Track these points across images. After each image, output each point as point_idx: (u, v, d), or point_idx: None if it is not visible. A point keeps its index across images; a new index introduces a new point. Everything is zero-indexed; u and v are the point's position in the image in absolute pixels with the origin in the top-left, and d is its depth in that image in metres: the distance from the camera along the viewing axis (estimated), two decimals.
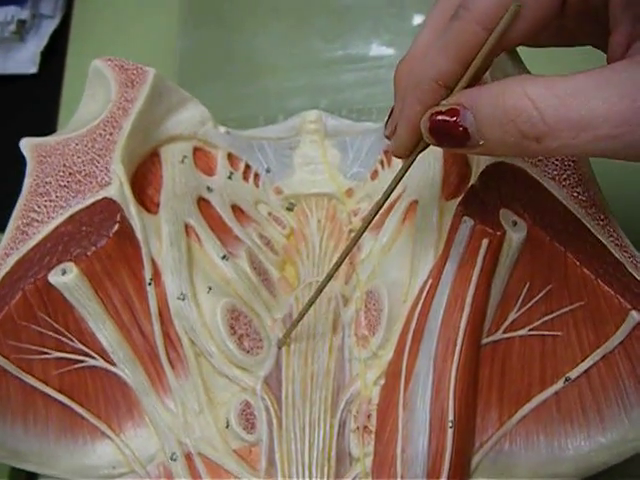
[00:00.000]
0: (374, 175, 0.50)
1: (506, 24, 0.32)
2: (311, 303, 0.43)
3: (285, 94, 0.62)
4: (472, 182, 0.42)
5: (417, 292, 0.43)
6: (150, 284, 0.43)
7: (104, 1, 0.69)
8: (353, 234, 0.47)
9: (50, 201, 0.45)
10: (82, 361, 0.43)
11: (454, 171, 0.47)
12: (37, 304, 0.42)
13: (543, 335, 0.42)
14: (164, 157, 0.49)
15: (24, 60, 0.67)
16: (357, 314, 0.45)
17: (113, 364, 0.43)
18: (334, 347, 0.44)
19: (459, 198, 0.43)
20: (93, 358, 0.43)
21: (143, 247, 0.43)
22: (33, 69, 0.67)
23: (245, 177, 0.51)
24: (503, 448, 0.42)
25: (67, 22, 0.69)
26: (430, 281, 0.43)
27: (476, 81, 0.34)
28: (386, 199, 0.39)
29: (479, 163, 0.43)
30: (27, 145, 0.48)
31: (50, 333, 0.42)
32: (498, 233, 0.40)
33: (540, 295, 0.41)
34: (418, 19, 0.64)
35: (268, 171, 0.51)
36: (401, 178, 0.38)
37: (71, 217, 0.44)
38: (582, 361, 0.41)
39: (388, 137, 0.39)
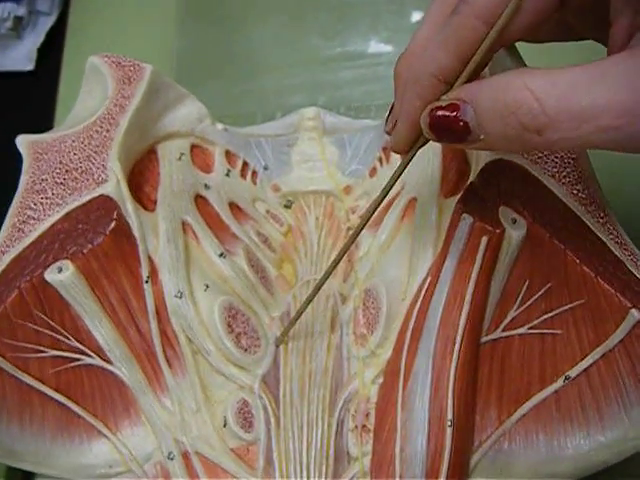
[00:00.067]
0: (372, 172, 0.50)
1: (507, 18, 0.32)
2: (309, 301, 0.42)
3: (283, 91, 0.62)
4: (471, 179, 0.42)
5: (416, 290, 0.43)
6: (147, 282, 0.43)
7: None
8: (351, 232, 0.47)
9: (46, 198, 0.45)
10: (78, 359, 0.43)
11: (453, 168, 0.47)
12: (33, 302, 0.42)
13: (543, 333, 0.42)
14: (161, 154, 0.49)
15: (21, 57, 0.67)
16: (355, 312, 0.45)
17: (110, 362, 0.43)
18: (332, 345, 0.44)
19: (458, 195, 0.42)
20: (89, 356, 0.43)
21: (140, 245, 0.43)
22: (30, 66, 0.67)
23: (243, 174, 0.51)
24: (502, 447, 0.42)
25: (64, 19, 0.68)
26: (429, 279, 0.42)
27: (476, 76, 0.34)
28: (385, 196, 0.39)
29: (478, 160, 0.43)
30: (23, 142, 0.47)
31: (46, 331, 0.42)
32: (497, 231, 0.40)
33: (540, 293, 0.41)
34: (417, 16, 0.64)
35: (266, 168, 0.51)
36: (400, 174, 0.38)
37: (67, 214, 0.44)
38: (582, 360, 0.41)
39: (388, 133, 0.39)
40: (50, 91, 0.65)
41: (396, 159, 0.49)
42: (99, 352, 0.43)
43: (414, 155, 0.37)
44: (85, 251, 0.42)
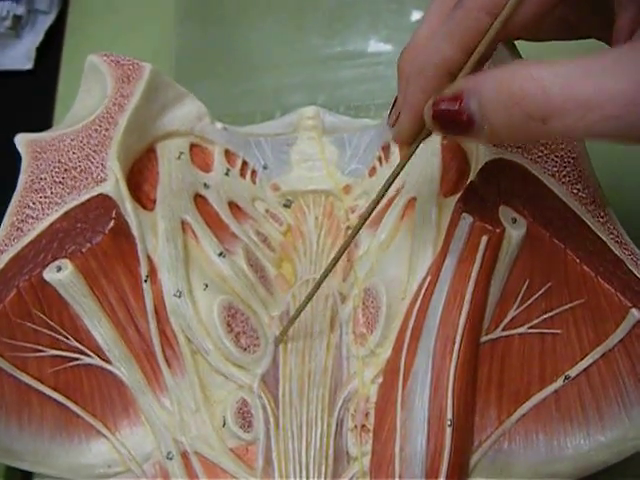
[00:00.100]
0: (372, 172, 0.50)
1: (511, 9, 0.32)
2: (308, 299, 0.42)
3: (282, 90, 0.62)
4: (471, 179, 0.42)
5: (416, 289, 0.43)
6: (146, 281, 0.43)
7: None
8: (351, 231, 0.46)
9: (45, 197, 0.45)
10: (77, 359, 0.43)
11: (453, 167, 0.47)
12: (32, 301, 0.42)
13: (542, 333, 0.42)
14: (160, 153, 0.49)
15: (19, 56, 0.67)
16: (355, 312, 0.45)
17: (109, 362, 0.43)
18: (332, 345, 0.44)
19: (458, 195, 0.42)
20: (88, 356, 0.43)
21: (139, 244, 0.43)
22: (29, 65, 0.67)
23: (242, 174, 0.51)
24: (502, 447, 0.42)
25: (63, 18, 0.68)
26: (429, 278, 0.42)
27: (480, 68, 0.34)
28: (386, 190, 0.39)
29: (478, 159, 0.43)
30: (22, 141, 0.47)
31: (45, 331, 0.42)
32: (497, 230, 0.40)
33: (540, 292, 0.41)
34: (417, 15, 0.64)
35: (265, 168, 0.51)
36: (402, 168, 0.38)
37: (66, 213, 0.44)
38: (582, 359, 0.41)
39: (391, 126, 0.39)
40: (49, 90, 0.65)
41: (395, 158, 0.49)
42: (98, 352, 0.43)
43: (416, 148, 0.37)
44: (84, 250, 0.42)
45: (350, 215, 0.49)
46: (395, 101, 0.39)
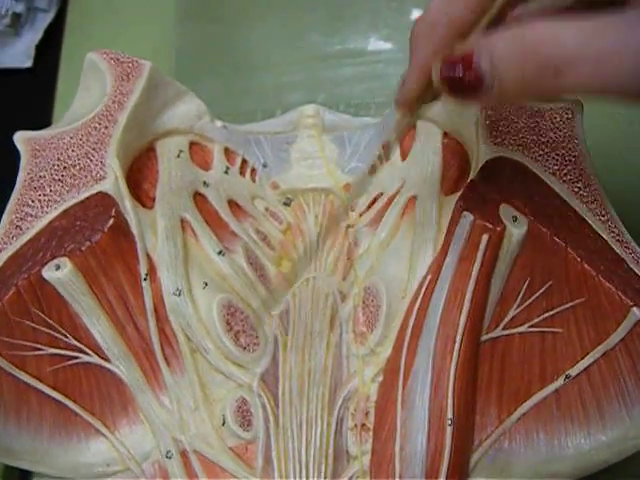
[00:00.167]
0: (372, 170, 0.50)
1: None
2: None
3: (282, 89, 0.62)
4: (472, 177, 0.42)
5: (416, 288, 0.43)
6: (145, 279, 0.43)
7: None
8: (351, 228, 0.46)
9: (44, 195, 0.45)
10: (76, 357, 0.43)
11: (453, 166, 0.47)
12: (31, 300, 0.41)
13: (543, 332, 0.42)
14: (160, 151, 0.48)
15: (19, 54, 0.67)
16: (355, 310, 0.45)
17: (108, 360, 0.43)
18: (331, 344, 0.44)
19: (459, 193, 0.42)
20: (87, 354, 0.43)
21: (138, 242, 0.43)
22: (28, 63, 0.67)
23: (242, 172, 0.50)
24: (502, 446, 0.42)
25: (62, 16, 0.68)
26: (429, 277, 0.42)
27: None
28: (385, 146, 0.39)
29: (479, 158, 0.43)
30: (21, 139, 0.47)
31: (44, 329, 0.42)
32: (498, 228, 0.40)
33: (540, 291, 0.41)
34: (417, 13, 0.64)
35: (265, 166, 0.51)
36: (404, 130, 0.38)
37: (65, 212, 0.44)
38: (582, 358, 0.41)
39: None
40: (48, 88, 0.65)
41: (395, 157, 0.49)
42: (97, 350, 0.43)
43: (419, 111, 0.36)
44: (83, 248, 0.41)
45: (350, 213, 0.49)
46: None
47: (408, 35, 0.37)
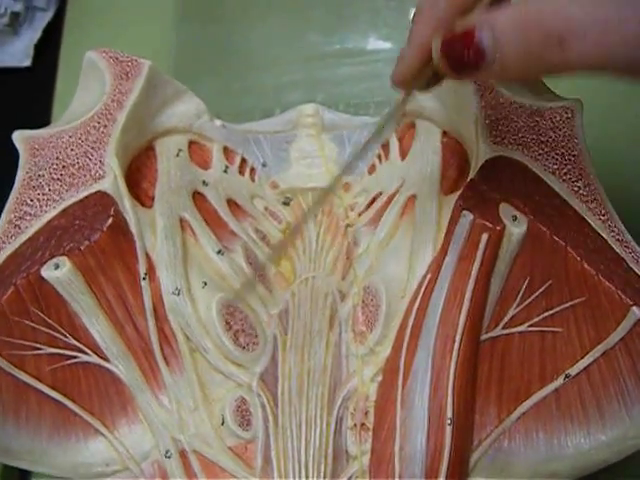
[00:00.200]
0: (371, 169, 0.50)
1: None
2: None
3: (281, 88, 0.62)
4: (471, 176, 0.42)
5: (415, 287, 0.43)
6: (144, 279, 0.43)
7: None
8: (350, 228, 0.46)
9: (43, 194, 0.45)
10: (75, 357, 0.43)
11: (453, 165, 0.47)
12: (30, 299, 0.41)
13: (543, 331, 0.41)
14: (159, 150, 0.48)
15: (18, 53, 0.67)
16: (354, 310, 0.44)
17: (107, 360, 0.43)
18: (331, 343, 0.44)
19: (458, 192, 0.42)
20: (86, 354, 0.43)
21: (137, 241, 0.43)
22: (27, 62, 0.66)
23: (241, 171, 0.50)
24: (502, 445, 0.42)
25: (61, 15, 0.68)
26: (429, 276, 0.42)
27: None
28: (382, 128, 0.37)
29: (478, 157, 0.43)
30: (20, 138, 0.47)
31: (43, 328, 0.42)
32: (498, 228, 0.40)
33: (540, 291, 0.41)
34: None
35: (264, 165, 0.51)
36: (400, 111, 0.37)
37: (64, 211, 0.44)
38: (582, 357, 0.41)
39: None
40: (47, 87, 0.65)
41: (395, 156, 0.49)
42: (96, 349, 0.43)
43: (415, 90, 0.35)
44: (82, 247, 0.41)
45: (349, 213, 0.49)
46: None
47: (407, 35, 0.37)
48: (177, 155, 0.48)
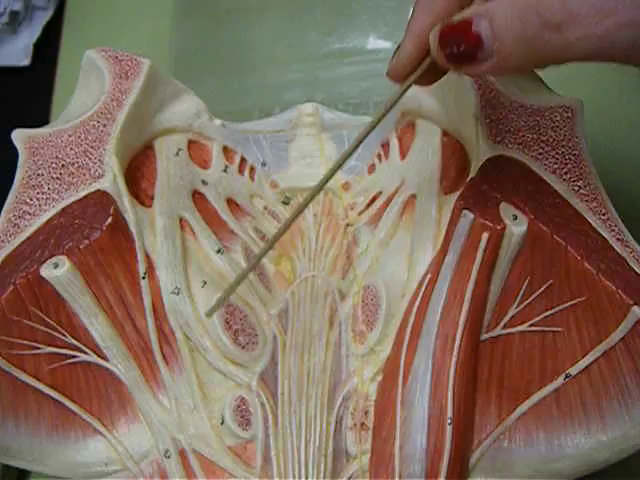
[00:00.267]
0: (371, 169, 0.50)
1: None
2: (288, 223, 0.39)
3: (281, 87, 0.62)
4: (472, 175, 0.42)
5: (416, 287, 0.43)
6: (144, 278, 0.43)
7: None
8: (350, 227, 0.46)
9: (42, 193, 0.45)
10: (74, 356, 0.43)
11: (453, 165, 0.46)
12: (29, 298, 0.41)
13: (543, 331, 0.41)
14: (158, 149, 0.48)
15: (17, 52, 0.67)
16: (354, 309, 0.44)
17: (106, 359, 0.43)
18: (331, 343, 0.44)
19: (458, 192, 0.42)
20: (85, 353, 0.43)
21: (137, 241, 0.43)
22: (25, 61, 0.66)
23: (240, 170, 0.50)
24: (502, 445, 0.42)
25: (60, 14, 0.68)
26: (429, 276, 0.42)
27: None
28: (375, 124, 0.37)
29: (479, 156, 0.43)
30: (19, 136, 0.47)
31: (42, 328, 0.42)
32: (498, 227, 0.40)
33: (540, 290, 0.41)
34: None
35: (264, 164, 0.51)
36: (394, 105, 0.36)
37: (63, 210, 0.44)
38: (582, 357, 0.41)
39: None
40: (46, 87, 0.65)
41: (395, 154, 0.49)
42: (95, 349, 0.42)
43: (413, 81, 0.35)
44: (81, 247, 0.41)
45: (349, 212, 0.49)
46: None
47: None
48: (176, 154, 0.48)
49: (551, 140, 0.44)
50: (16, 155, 0.46)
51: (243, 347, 0.43)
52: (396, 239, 0.45)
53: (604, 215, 0.43)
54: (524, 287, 0.41)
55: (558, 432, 0.42)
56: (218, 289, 0.43)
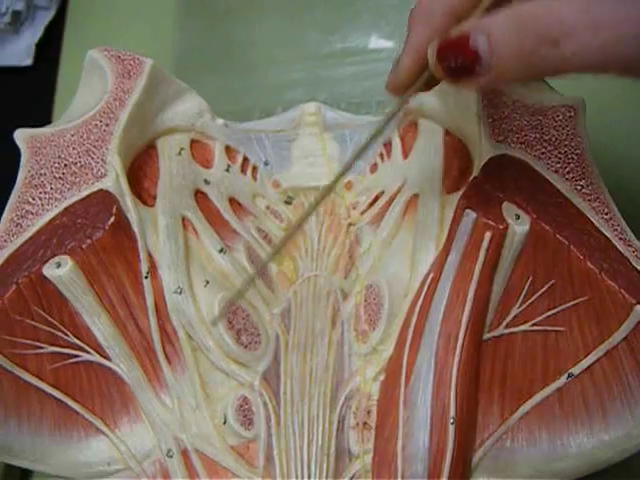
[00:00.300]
0: (373, 168, 0.50)
1: None
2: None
3: (283, 87, 0.62)
4: (474, 175, 0.42)
5: (418, 286, 0.43)
6: (146, 277, 0.43)
7: None
8: (352, 227, 0.46)
9: (45, 193, 0.45)
10: (77, 356, 0.43)
11: (455, 164, 0.46)
12: (31, 298, 0.41)
13: (546, 330, 0.41)
14: (161, 149, 0.48)
15: (19, 52, 0.66)
16: (357, 309, 0.44)
17: (108, 359, 0.43)
18: (333, 342, 0.44)
19: (461, 191, 0.42)
20: (88, 353, 0.43)
21: (139, 240, 0.43)
22: (28, 61, 0.66)
23: (243, 170, 0.50)
24: (505, 445, 0.42)
25: (62, 14, 0.68)
26: (431, 275, 0.42)
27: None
28: (372, 138, 0.37)
29: (481, 156, 0.43)
30: (22, 136, 0.47)
31: (44, 327, 0.42)
32: (501, 226, 0.40)
33: (543, 290, 0.41)
34: None
35: (266, 164, 0.51)
36: (391, 118, 0.36)
37: (66, 209, 0.44)
38: (585, 357, 0.41)
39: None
40: (48, 87, 0.64)
41: (397, 154, 0.49)
42: (98, 348, 0.42)
43: (411, 96, 0.35)
44: (84, 246, 0.41)
45: (351, 212, 0.49)
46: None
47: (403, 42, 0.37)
48: (179, 154, 0.48)
49: (553, 139, 0.44)
50: (18, 155, 0.46)
51: (246, 346, 0.43)
52: (398, 238, 0.45)
53: (607, 214, 0.43)
54: (526, 286, 0.41)
55: (561, 432, 0.42)
56: (220, 288, 0.43)
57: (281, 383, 0.43)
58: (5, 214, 0.45)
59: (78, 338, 0.42)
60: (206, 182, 0.48)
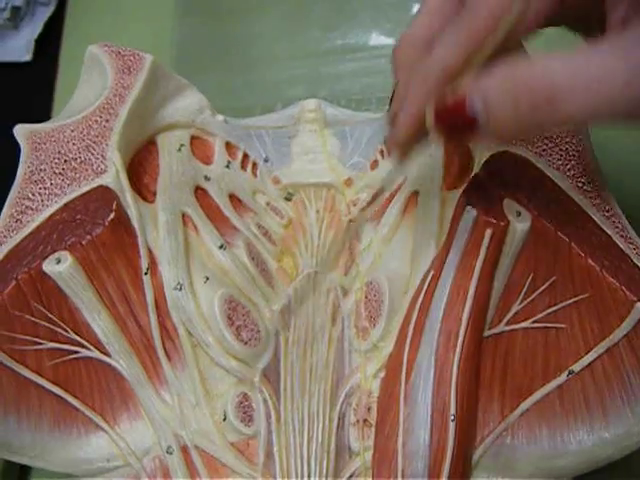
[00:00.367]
0: (374, 165, 0.50)
1: (509, 24, 0.32)
2: None
3: (283, 84, 0.62)
4: (475, 171, 0.42)
5: (418, 283, 0.43)
6: (146, 274, 0.42)
7: None
8: (353, 224, 0.46)
9: (44, 189, 0.44)
10: (76, 352, 0.43)
11: (455, 161, 0.46)
12: (31, 294, 0.41)
13: (546, 327, 0.41)
14: (161, 145, 0.48)
15: (18, 48, 0.66)
16: (357, 305, 0.44)
17: (108, 355, 0.43)
18: (333, 339, 0.44)
19: (461, 188, 0.42)
20: (88, 349, 0.43)
21: (139, 236, 0.43)
22: (27, 57, 0.66)
23: (243, 166, 0.50)
24: (505, 442, 0.42)
25: (62, 9, 0.68)
26: (432, 272, 0.42)
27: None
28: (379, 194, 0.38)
29: (482, 152, 0.43)
30: (21, 132, 0.47)
31: (44, 323, 0.42)
32: (502, 223, 0.40)
33: (544, 287, 0.41)
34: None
35: (266, 160, 0.51)
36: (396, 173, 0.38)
37: (66, 205, 0.44)
38: (586, 354, 0.41)
39: (389, 125, 0.38)
40: (48, 82, 0.64)
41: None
42: (97, 345, 0.42)
43: (408, 155, 0.37)
44: (84, 242, 0.41)
45: (352, 208, 0.49)
46: (393, 96, 0.38)
47: (395, 96, 0.37)
48: (179, 150, 0.48)
49: (555, 136, 0.44)
50: (18, 150, 0.46)
51: (246, 343, 0.43)
52: (399, 235, 0.45)
53: (608, 212, 0.43)
54: (527, 284, 0.41)
55: (561, 429, 0.42)
56: (220, 285, 0.43)
57: (281, 380, 0.43)
58: (5, 210, 0.45)
59: (78, 334, 0.42)
60: (206, 178, 0.48)
